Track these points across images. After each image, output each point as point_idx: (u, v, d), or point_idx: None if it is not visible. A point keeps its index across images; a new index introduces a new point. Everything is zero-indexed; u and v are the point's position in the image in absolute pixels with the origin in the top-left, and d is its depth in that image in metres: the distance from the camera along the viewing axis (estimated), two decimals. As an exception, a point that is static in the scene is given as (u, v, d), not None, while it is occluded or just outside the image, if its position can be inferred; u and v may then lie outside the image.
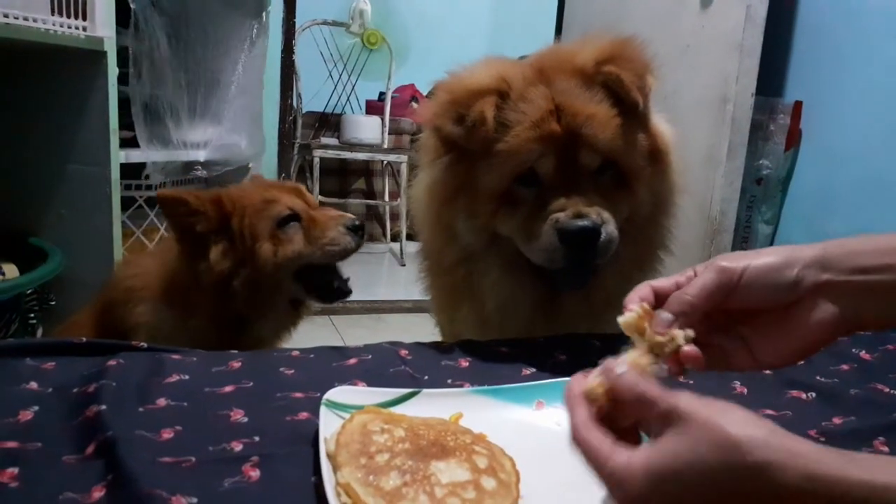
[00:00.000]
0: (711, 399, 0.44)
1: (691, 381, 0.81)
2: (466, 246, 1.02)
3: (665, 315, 0.53)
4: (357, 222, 1.20)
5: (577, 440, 0.47)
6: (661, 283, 0.56)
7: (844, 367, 0.88)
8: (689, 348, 0.53)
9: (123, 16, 1.70)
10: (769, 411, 0.75)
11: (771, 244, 2.10)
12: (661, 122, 1.05)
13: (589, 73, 0.96)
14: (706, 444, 0.41)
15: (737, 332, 0.57)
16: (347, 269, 1.27)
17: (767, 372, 0.85)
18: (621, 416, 0.49)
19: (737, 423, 0.42)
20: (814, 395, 0.80)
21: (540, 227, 0.93)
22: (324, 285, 1.21)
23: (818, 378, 0.84)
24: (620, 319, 0.54)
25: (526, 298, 1.01)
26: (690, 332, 0.53)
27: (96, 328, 1.19)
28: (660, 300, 0.55)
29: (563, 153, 0.94)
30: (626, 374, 0.48)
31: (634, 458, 0.43)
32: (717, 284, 0.53)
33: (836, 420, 0.74)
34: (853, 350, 0.93)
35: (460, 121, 0.94)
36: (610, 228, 0.93)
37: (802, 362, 0.88)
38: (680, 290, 0.54)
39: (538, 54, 1.05)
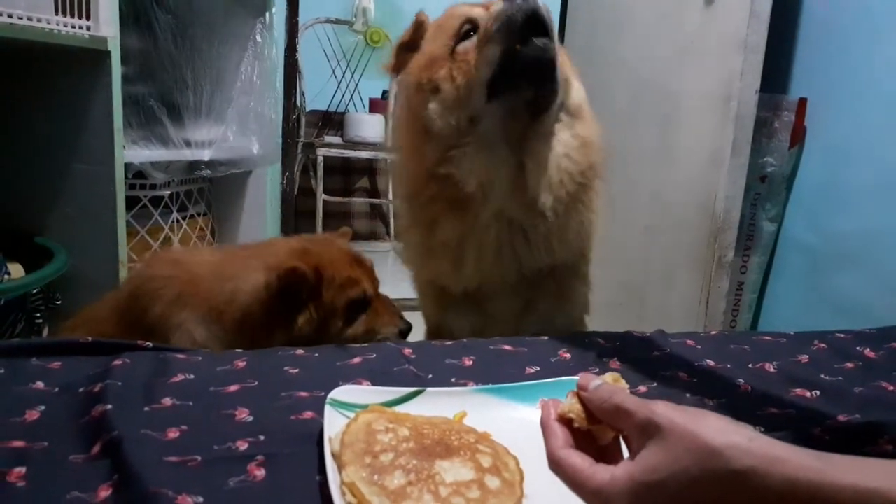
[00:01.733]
0: (686, 407, 0.45)
1: (695, 380, 0.81)
2: (444, 137, 1.07)
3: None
4: (406, 326, 1.22)
5: (556, 464, 0.48)
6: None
7: (849, 365, 0.88)
8: None
9: (127, 14, 1.70)
10: (774, 409, 0.75)
11: (775, 241, 2.10)
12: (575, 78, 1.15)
13: None
14: (688, 455, 0.42)
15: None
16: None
17: (772, 370, 0.85)
18: (600, 434, 0.49)
19: (716, 431, 0.42)
20: (818, 393, 0.80)
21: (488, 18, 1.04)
22: None
23: (823, 376, 0.84)
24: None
25: (501, 171, 1.07)
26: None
27: (120, 320, 1.16)
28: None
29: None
30: (601, 386, 0.49)
31: (617, 474, 0.44)
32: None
33: (841, 418, 0.73)
34: (858, 348, 0.93)
35: (405, 33, 1.16)
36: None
37: (807, 360, 0.88)
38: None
39: None
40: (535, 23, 0.99)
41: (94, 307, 1.23)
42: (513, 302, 1.15)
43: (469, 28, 1.07)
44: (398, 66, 1.19)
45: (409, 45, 1.16)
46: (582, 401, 0.50)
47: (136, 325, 1.14)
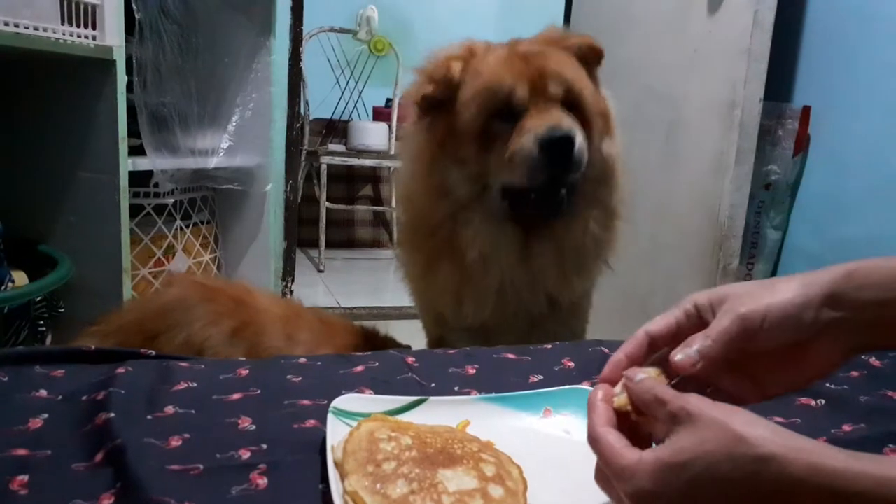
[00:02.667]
0: (718, 402, 0.46)
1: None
2: (457, 199, 1.09)
3: (688, 353, 0.52)
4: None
5: (593, 437, 0.49)
6: (659, 326, 0.56)
7: (854, 373, 0.88)
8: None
9: (132, 24, 1.71)
10: (778, 418, 0.74)
11: (780, 250, 2.09)
12: (606, 94, 1.20)
13: (552, 39, 1.14)
14: (713, 439, 0.43)
15: (744, 370, 0.55)
16: (354, 273, 1.27)
17: (776, 379, 0.85)
18: (643, 424, 0.50)
19: (742, 421, 0.43)
20: (823, 402, 0.79)
21: (518, 143, 1.02)
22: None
23: (828, 385, 0.83)
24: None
25: (504, 247, 1.09)
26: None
27: (140, 329, 1.14)
28: (654, 345, 0.56)
29: (532, 85, 1.04)
30: (644, 379, 0.50)
31: (645, 455, 0.45)
32: (739, 334, 0.52)
33: (846, 427, 0.73)
34: (863, 357, 0.93)
35: (432, 79, 1.08)
36: (581, 139, 1.02)
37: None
38: (702, 335, 0.52)
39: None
40: (566, 162, 1.01)
41: (122, 313, 1.21)
42: (517, 330, 1.15)
43: (504, 110, 1.05)
44: (422, 117, 1.14)
45: (436, 103, 1.10)
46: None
47: (164, 336, 1.13)
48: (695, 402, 0.46)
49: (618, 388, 0.53)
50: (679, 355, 0.52)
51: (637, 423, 0.51)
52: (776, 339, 0.53)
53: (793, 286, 0.53)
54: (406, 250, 1.24)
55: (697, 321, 0.55)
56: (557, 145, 0.99)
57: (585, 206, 1.10)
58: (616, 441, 0.48)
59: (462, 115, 1.06)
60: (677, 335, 0.55)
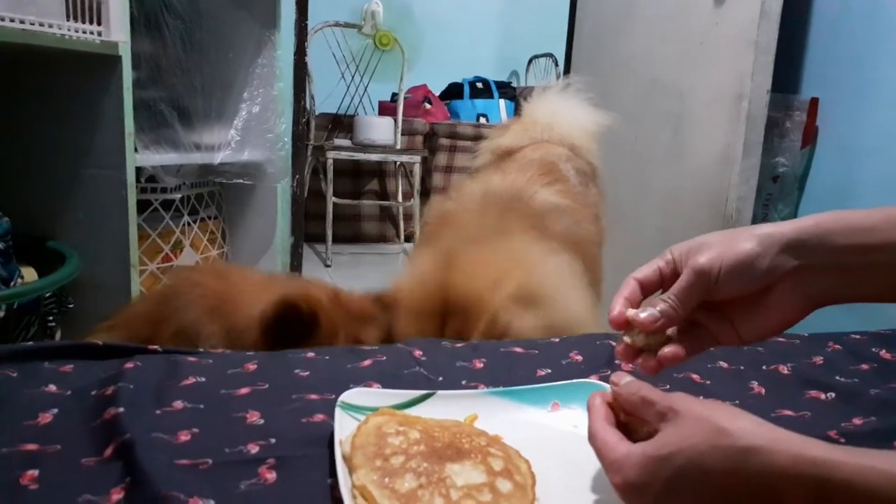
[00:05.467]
0: (707, 400, 0.49)
1: (708, 382, 0.81)
2: None
3: (651, 312, 0.56)
4: None
5: (591, 436, 0.51)
6: (645, 273, 0.59)
7: (864, 366, 0.87)
8: (668, 350, 0.57)
9: (138, 19, 1.71)
10: (788, 412, 0.74)
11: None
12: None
13: None
14: (697, 433, 0.44)
15: (720, 313, 0.59)
16: (360, 268, 1.27)
17: (786, 372, 0.84)
18: (636, 427, 0.52)
19: (726, 415, 0.45)
20: (833, 395, 0.79)
21: None
22: None
23: (837, 378, 0.83)
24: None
25: None
26: (673, 335, 0.59)
27: (150, 320, 1.16)
28: (645, 289, 0.59)
29: None
30: (629, 382, 0.53)
31: (633, 448, 0.47)
32: (695, 286, 0.56)
33: (856, 421, 0.73)
34: (873, 349, 0.92)
35: None
36: None
37: (822, 362, 0.87)
38: (665, 294, 0.57)
39: None
40: None
41: (131, 305, 1.23)
42: None
43: None
44: None
45: None
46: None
47: (165, 323, 1.14)
48: (681, 401, 0.48)
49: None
50: (643, 314, 0.56)
51: (626, 423, 0.53)
52: (733, 289, 0.56)
53: (755, 234, 0.56)
54: None
55: (675, 269, 0.58)
56: None
57: None
58: (610, 436, 0.50)
59: None
60: (661, 281, 0.59)
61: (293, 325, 1.01)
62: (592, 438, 0.51)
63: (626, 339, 0.58)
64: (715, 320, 0.59)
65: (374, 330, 1.06)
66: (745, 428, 0.43)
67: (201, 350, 0.81)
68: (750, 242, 0.55)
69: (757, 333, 0.59)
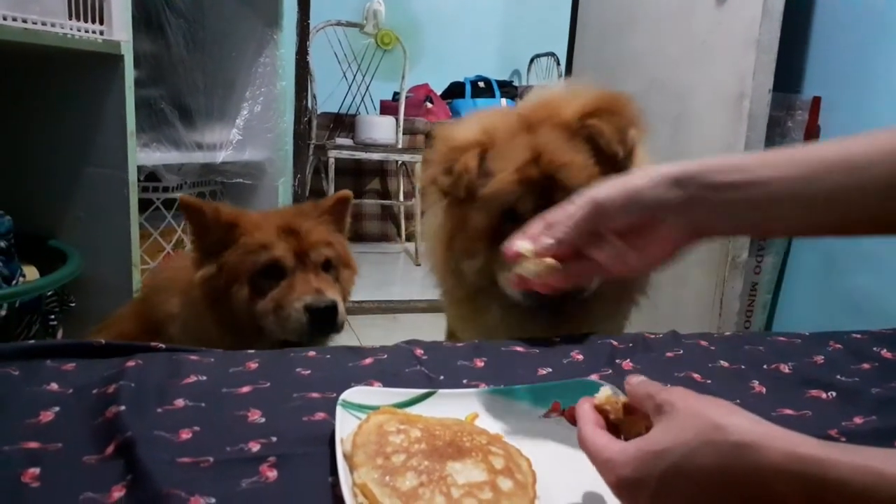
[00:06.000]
0: (704, 396, 0.48)
1: (709, 381, 0.81)
2: (471, 284, 1.10)
3: (547, 241, 0.67)
4: (325, 305, 1.10)
5: (582, 440, 0.52)
6: (553, 213, 0.70)
7: (865, 365, 0.87)
8: (552, 275, 0.69)
9: (140, 18, 1.71)
10: (789, 411, 0.74)
11: (789, 242, 2.08)
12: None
13: (573, 126, 1.03)
14: (691, 428, 0.44)
15: (610, 244, 0.67)
16: (362, 267, 1.28)
17: (787, 371, 0.84)
18: (630, 428, 0.54)
19: (721, 411, 0.45)
20: (834, 394, 0.79)
21: None
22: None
23: (838, 377, 0.83)
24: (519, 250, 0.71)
25: (527, 332, 1.03)
26: (557, 265, 0.69)
27: (137, 317, 1.20)
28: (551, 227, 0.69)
29: (541, 195, 1.01)
30: (642, 381, 0.54)
31: (627, 445, 0.48)
32: (590, 216, 0.66)
33: (858, 420, 0.73)
34: (874, 349, 0.92)
35: (448, 172, 1.05)
36: None
37: (823, 361, 0.87)
38: (560, 221, 0.68)
39: (529, 104, 1.14)
40: None
41: (118, 311, 1.26)
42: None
43: (512, 212, 1.02)
44: (439, 199, 1.13)
45: (448, 191, 1.08)
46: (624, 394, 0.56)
47: (149, 318, 1.17)
48: (677, 396, 0.48)
49: (601, 391, 0.58)
50: (544, 238, 0.67)
51: (617, 424, 0.54)
52: (625, 218, 0.65)
53: (646, 172, 0.64)
54: (443, 299, 1.25)
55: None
56: None
57: (608, 287, 1.05)
58: (600, 438, 0.51)
59: (473, 215, 1.06)
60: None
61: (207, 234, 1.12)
62: (583, 442, 0.52)
63: (517, 270, 0.69)
64: (605, 251, 0.67)
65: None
66: (739, 424, 0.43)
67: (203, 349, 0.81)
68: (640, 178, 0.64)
69: (647, 261, 0.67)
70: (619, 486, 0.47)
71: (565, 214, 0.68)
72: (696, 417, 0.45)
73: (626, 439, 0.52)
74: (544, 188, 1.01)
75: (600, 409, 0.55)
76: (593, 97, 1.06)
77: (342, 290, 1.19)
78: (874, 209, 0.57)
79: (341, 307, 1.13)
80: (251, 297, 1.11)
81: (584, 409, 0.55)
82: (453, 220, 1.10)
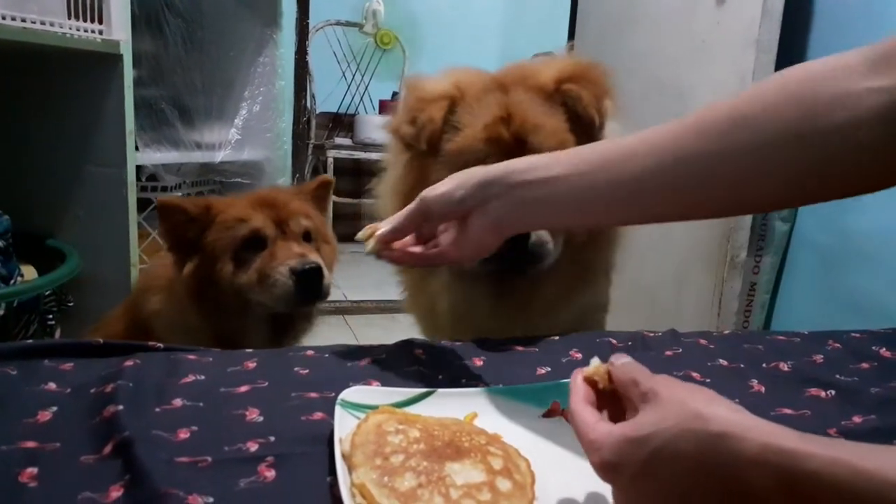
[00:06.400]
0: (688, 384, 0.49)
1: (708, 380, 0.81)
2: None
3: (385, 229, 0.77)
4: (310, 267, 1.09)
5: (571, 415, 0.53)
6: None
7: (865, 365, 0.87)
8: (391, 254, 0.79)
9: (139, 18, 1.71)
10: (788, 410, 0.74)
11: (788, 241, 2.08)
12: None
13: (548, 90, 1.01)
14: (673, 416, 0.45)
15: (443, 235, 0.78)
16: (361, 267, 1.28)
17: (786, 370, 0.84)
18: (615, 402, 0.54)
19: (703, 400, 0.46)
20: (833, 393, 0.79)
21: None
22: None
23: (837, 376, 0.83)
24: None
25: (474, 304, 1.04)
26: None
27: (126, 318, 1.20)
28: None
29: (508, 156, 0.93)
30: (625, 363, 0.54)
31: (613, 429, 0.48)
32: (416, 211, 0.75)
33: (857, 419, 0.73)
34: (873, 348, 0.92)
35: (413, 122, 1.01)
36: (541, 233, 0.95)
37: (822, 360, 0.87)
38: (396, 214, 0.77)
39: (504, 68, 1.11)
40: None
41: (110, 312, 1.27)
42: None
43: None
44: (401, 152, 1.09)
45: (411, 143, 1.05)
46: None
47: (137, 318, 1.17)
48: (662, 384, 0.49)
49: (591, 363, 0.57)
50: (381, 228, 0.77)
51: (613, 395, 0.54)
52: (441, 214, 0.75)
53: (458, 175, 0.74)
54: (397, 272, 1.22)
55: None
56: None
57: (565, 264, 1.03)
58: (588, 416, 0.51)
59: (435, 170, 1.00)
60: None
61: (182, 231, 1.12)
62: (572, 417, 0.53)
63: (369, 247, 0.78)
64: (445, 240, 0.78)
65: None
66: (719, 414, 0.44)
67: (201, 348, 0.81)
68: (452, 181, 0.74)
69: (466, 253, 0.77)
70: (601, 468, 0.48)
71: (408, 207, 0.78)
72: (679, 406, 0.46)
73: (611, 408, 0.54)
74: (512, 149, 0.97)
75: (590, 380, 0.56)
76: (570, 63, 1.04)
77: (325, 263, 1.18)
78: (626, 201, 0.67)
79: (326, 272, 1.12)
80: (235, 272, 1.11)
81: (577, 383, 0.55)
82: (413, 174, 1.04)
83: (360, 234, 0.79)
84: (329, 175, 1.31)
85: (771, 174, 0.61)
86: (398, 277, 1.23)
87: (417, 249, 0.79)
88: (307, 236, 1.18)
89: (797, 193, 0.64)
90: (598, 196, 0.67)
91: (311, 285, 1.09)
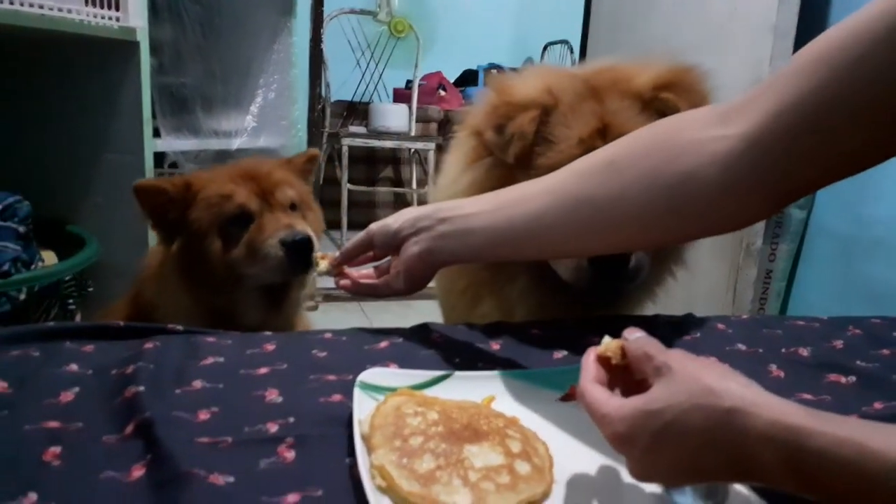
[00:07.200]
0: (701, 358, 0.50)
1: (725, 364, 0.80)
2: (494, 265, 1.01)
3: (335, 253, 0.91)
4: (300, 237, 1.08)
5: (581, 392, 0.53)
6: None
7: (885, 351, 0.86)
8: (343, 282, 0.91)
9: (156, 4, 1.72)
10: (807, 395, 0.74)
11: (804, 229, 2.07)
12: None
13: (644, 97, 0.93)
14: (685, 391, 0.46)
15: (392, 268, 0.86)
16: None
17: (805, 355, 0.84)
18: (628, 377, 0.55)
19: (715, 375, 0.46)
20: (854, 379, 0.78)
21: None
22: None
23: (858, 362, 0.82)
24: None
25: (560, 311, 0.97)
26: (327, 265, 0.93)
27: (130, 306, 1.21)
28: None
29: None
30: (639, 338, 0.55)
31: (625, 402, 0.49)
32: (362, 239, 0.87)
33: (877, 405, 0.72)
34: (894, 334, 0.91)
35: (500, 130, 0.93)
36: (640, 255, 0.91)
37: (842, 346, 0.86)
38: (347, 243, 0.89)
39: (594, 69, 1.01)
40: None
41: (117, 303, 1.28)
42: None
43: None
44: (480, 155, 0.99)
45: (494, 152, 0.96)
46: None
47: (141, 303, 1.18)
48: (675, 358, 0.50)
49: (604, 340, 0.58)
50: (337, 253, 0.91)
51: (626, 371, 0.55)
52: (383, 245, 0.84)
53: (401, 213, 0.84)
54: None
55: None
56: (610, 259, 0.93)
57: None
58: (599, 393, 0.52)
59: (524, 178, 0.86)
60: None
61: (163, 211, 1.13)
62: (582, 397, 0.53)
63: (320, 268, 0.93)
64: (387, 274, 0.86)
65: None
66: (730, 389, 0.45)
67: (220, 331, 0.82)
68: (395, 215, 0.84)
69: (399, 284, 0.84)
70: (614, 440, 0.49)
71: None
72: (691, 380, 0.46)
73: (624, 384, 0.54)
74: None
75: (603, 358, 0.56)
76: (667, 69, 0.96)
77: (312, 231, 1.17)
78: (525, 239, 0.74)
79: (316, 241, 1.12)
80: (224, 248, 1.11)
81: (588, 363, 0.56)
82: (494, 182, 0.92)
83: (315, 256, 0.97)
84: (316, 150, 1.32)
85: (634, 215, 0.68)
86: (447, 301, 1.18)
87: (371, 281, 0.89)
88: (293, 206, 1.18)
89: (657, 235, 0.71)
90: (505, 232, 0.75)
91: (302, 255, 1.09)
